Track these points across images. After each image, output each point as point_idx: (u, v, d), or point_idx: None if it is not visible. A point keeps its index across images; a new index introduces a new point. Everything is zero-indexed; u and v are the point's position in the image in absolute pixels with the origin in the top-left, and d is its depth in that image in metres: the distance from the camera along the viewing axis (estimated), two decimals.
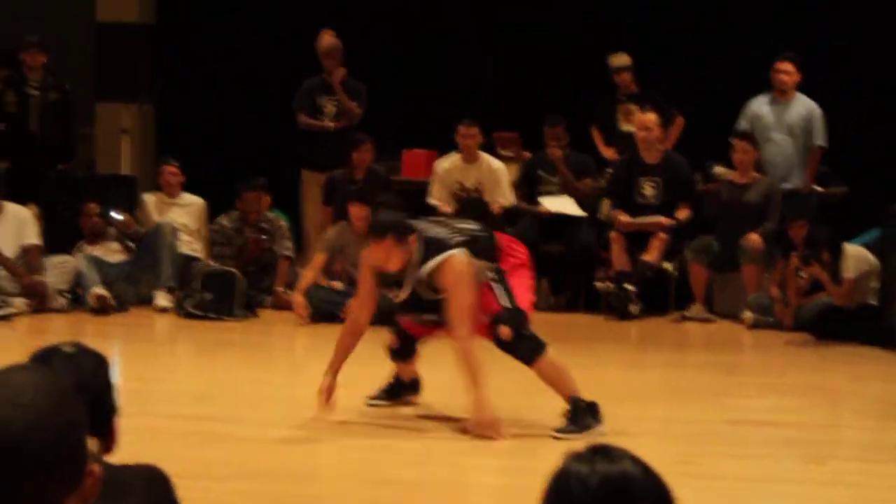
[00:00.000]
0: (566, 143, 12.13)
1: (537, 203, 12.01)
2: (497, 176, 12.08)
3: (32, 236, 11.35)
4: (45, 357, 2.83)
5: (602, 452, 2.03)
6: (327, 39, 12.56)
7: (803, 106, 11.87)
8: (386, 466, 6.04)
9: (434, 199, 12.06)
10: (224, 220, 11.88)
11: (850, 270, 10.52)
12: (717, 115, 12.38)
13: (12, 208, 11.46)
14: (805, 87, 11.96)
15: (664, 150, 11.95)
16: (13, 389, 1.86)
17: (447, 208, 11.78)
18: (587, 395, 7.12)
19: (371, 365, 8.81)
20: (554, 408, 7.65)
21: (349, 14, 13.62)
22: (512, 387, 8.20)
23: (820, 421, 7.41)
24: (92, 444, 1.97)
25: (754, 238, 11.22)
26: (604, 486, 1.98)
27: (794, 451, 6.62)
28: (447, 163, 12.19)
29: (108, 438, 2.85)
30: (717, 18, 13.86)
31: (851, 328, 10.21)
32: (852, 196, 12.04)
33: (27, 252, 11.23)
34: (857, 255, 10.61)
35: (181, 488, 3.00)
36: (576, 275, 12.03)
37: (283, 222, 11.96)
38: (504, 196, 12.04)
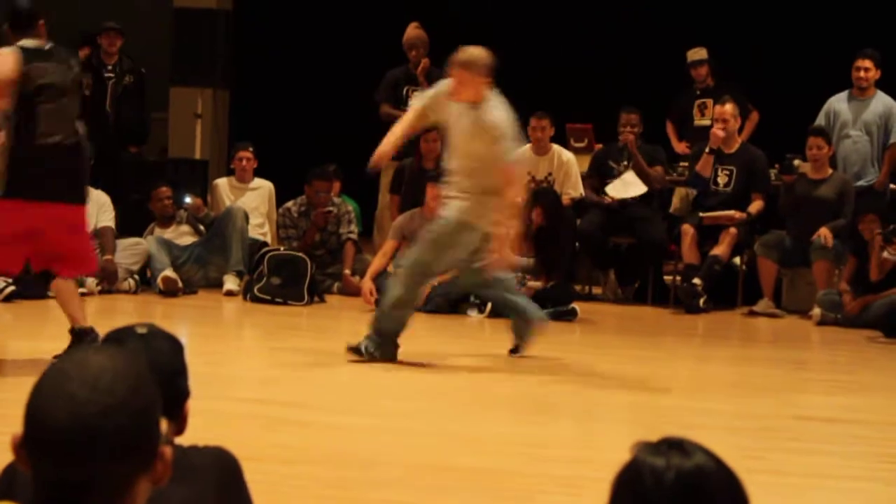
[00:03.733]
0: (639, 133, 12.11)
1: (604, 195, 11.97)
2: (568, 168, 12.06)
3: (108, 220, 11.52)
4: (119, 337, 2.86)
5: (676, 446, 2.01)
6: (412, 31, 12.54)
7: (882, 103, 11.81)
8: (451, 453, 6.05)
9: None
10: (291, 205, 11.95)
11: None
12: (795, 110, 12.34)
13: (93, 192, 11.64)
14: (884, 84, 11.88)
15: (741, 140, 11.92)
16: (93, 372, 1.88)
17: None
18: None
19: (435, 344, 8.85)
20: (623, 402, 7.64)
21: (429, 4, 13.62)
22: (581, 379, 8.21)
23: (889, 418, 7.34)
24: (163, 426, 1.99)
25: (825, 232, 11.14)
26: (680, 481, 1.97)
27: (862, 449, 6.57)
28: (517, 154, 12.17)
29: (178, 421, 2.87)
30: (796, 13, 13.78)
31: None
32: None
33: (101, 234, 11.40)
34: None
35: (248, 471, 3.03)
36: (644, 268, 12.00)
37: (350, 207, 12.02)
38: (574, 188, 12.01)
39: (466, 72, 8.09)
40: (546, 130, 12.05)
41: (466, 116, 8.05)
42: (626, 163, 12.05)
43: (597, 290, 12.35)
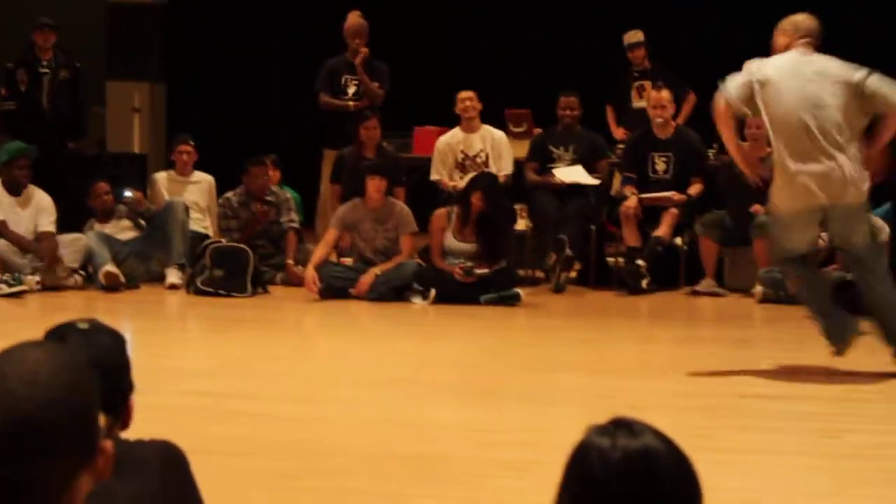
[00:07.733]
0: (579, 116, 12.14)
1: (550, 175, 11.97)
2: (499, 146, 12.08)
3: (48, 224, 11.39)
4: (61, 333, 2.84)
5: (624, 426, 2.01)
6: (354, 19, 12.48)
7: None
8: (399, 440, 6.04)
9: (435, 176, 12.06)
10: (230, 195, 11.92)
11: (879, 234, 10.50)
12: None
13: (37, 194, 11.52)
14: None
15: (676, 125, 11.95)
16: (29, 368, 1.86)
17: (451, 183, 11.80)
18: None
19: (378, 340, 8.84)
20: (569, 385, 7.66)
21: None
22: (527, 364, 8.21)
23: (833, 394, 7.40)
24: (102, 421, 1.97)
25: (759, 209, 11.22)
26: (626, 460, 1.96)
27: (808, 425, 6.61)
28: (447, 136, 12.20)
29: (123, 415, 2.86)
30: None
31: (863, 303, 10.16)
32: None
33: (41, 239, 11.28)
34: (881, 224, 10.57)
35: (195, 463, 3.01)
36: (582, 245, 11.91)
37: (290, 195, 12.01)
38: (507, 166, 12.03)
39: None
40: (472, 101, 12.07)
41: None
42: (567, 148, 12.06)
43: (540, 274, 12.36)
